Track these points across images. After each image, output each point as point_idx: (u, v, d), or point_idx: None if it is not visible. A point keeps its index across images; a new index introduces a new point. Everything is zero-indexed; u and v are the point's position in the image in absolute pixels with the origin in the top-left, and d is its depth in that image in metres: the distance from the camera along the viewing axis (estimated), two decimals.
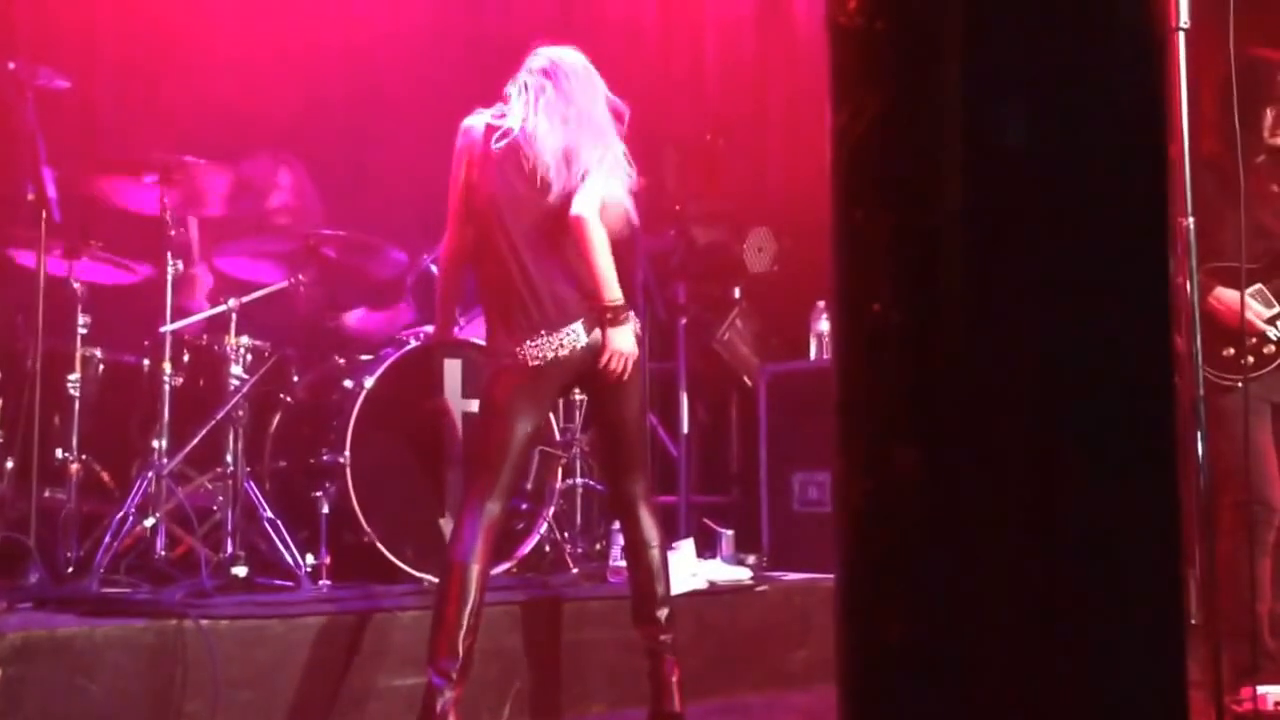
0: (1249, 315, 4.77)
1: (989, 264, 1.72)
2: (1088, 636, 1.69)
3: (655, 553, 4.62)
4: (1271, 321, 4.90)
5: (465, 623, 4.21)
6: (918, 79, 1.76)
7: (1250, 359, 4.84)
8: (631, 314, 4.52)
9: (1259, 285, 4.90)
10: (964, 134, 1.73)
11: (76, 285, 5.53)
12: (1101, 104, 1.75)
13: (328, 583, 5.25)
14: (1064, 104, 1.73)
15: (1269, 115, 4.90)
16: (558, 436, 5.91)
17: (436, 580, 5.19)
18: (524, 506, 5.51)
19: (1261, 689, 4.51)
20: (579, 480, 6.29)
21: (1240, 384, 4.72)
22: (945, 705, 1.70)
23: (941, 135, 1.74)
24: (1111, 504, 1.71)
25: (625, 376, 4.48)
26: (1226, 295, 4.79)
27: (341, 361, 5.96)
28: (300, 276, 5.81)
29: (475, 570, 4.25)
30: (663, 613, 4.57)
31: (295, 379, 6.00)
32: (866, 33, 1.80)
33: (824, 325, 6.91)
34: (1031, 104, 1.73)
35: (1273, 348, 4.88)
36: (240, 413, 5.49)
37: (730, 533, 6.39)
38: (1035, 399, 1.70)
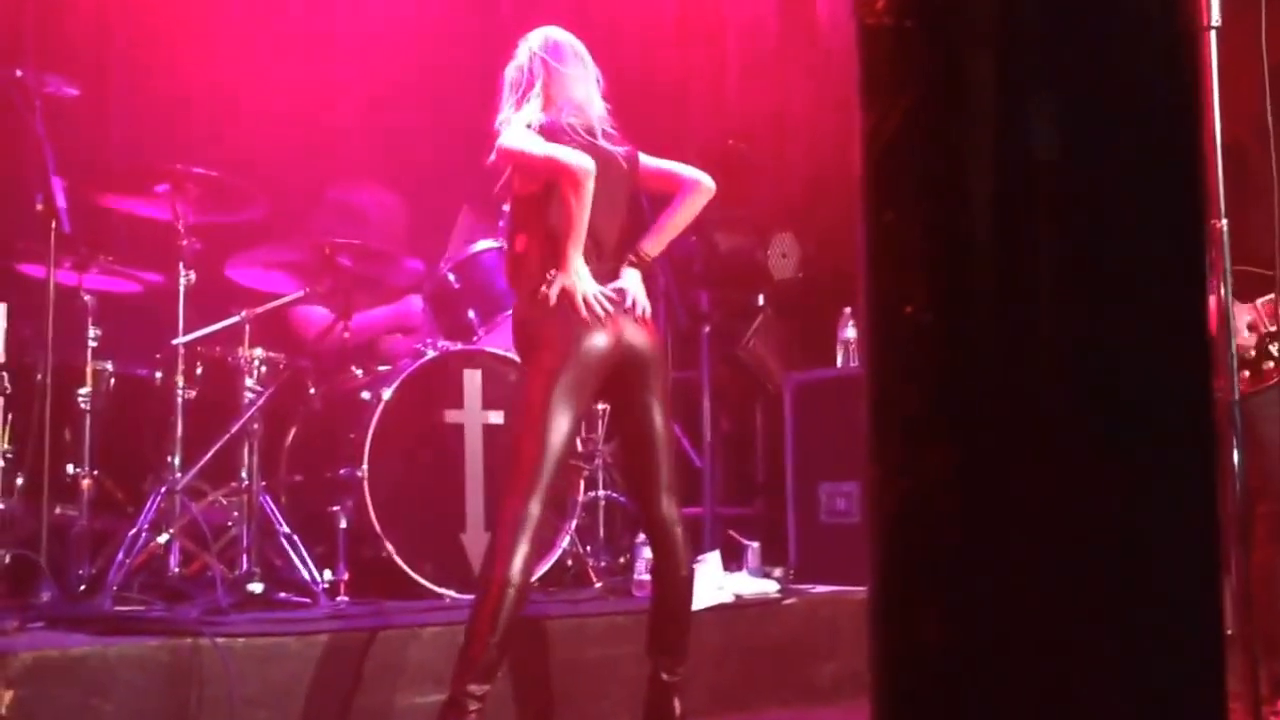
0: (1237, 339, 4.62)
1: (1023, 264, 1.70)
2: (1127, 639, 1.68)
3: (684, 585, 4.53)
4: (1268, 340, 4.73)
5: (498, 642, 4.03)
6: (948, 78, 1.74)
7: (1247, 373, 4.71)
8: None
9: (1270, 296, 4.70)
10: (996, 133, 1.72)
11: (87, 297, 5.47)
12: (1134, 102, 1.74)
13: (345, 599, 5.21)
14: (1096, 102, 1.71)
15: None
16: (579, 448, 5.80)
17: (456, 596, 5.15)
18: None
19: None
20: (601, 493, 6.21)
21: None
22: (981, 708, 1.68)
23: (973, 135, 1.72)
24: (1149, 506, 1.70)
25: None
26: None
27: (358, 373, 5.90)
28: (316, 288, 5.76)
29: (515, 587, 4.04)
30: (680, 648, 4.49)
31: (311, 391, 5.93)
32: (896, 32, 1.78)
33: (850, 332, 6.83)
34: (1063, 102, 1.71)
35: (1271, 364, 4.73)
36: (255, 426, 5.43)
37: (756, 545, 6.32)
38: (1071, 400, 1.69)
